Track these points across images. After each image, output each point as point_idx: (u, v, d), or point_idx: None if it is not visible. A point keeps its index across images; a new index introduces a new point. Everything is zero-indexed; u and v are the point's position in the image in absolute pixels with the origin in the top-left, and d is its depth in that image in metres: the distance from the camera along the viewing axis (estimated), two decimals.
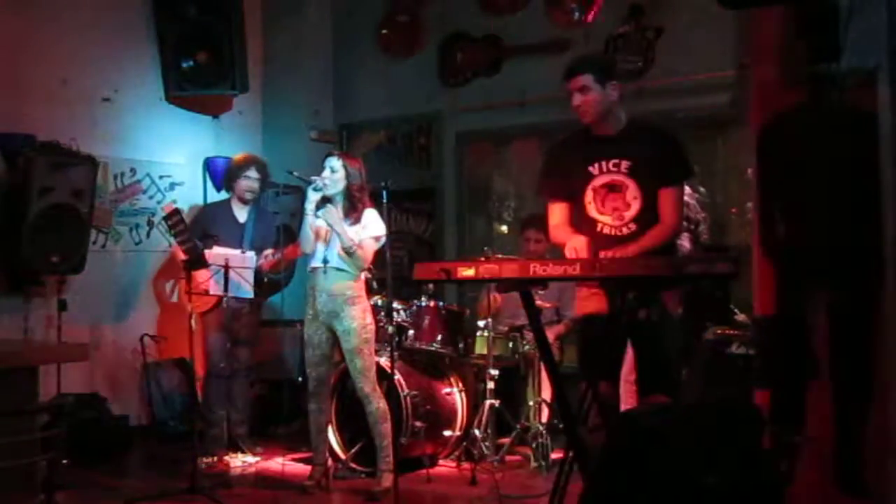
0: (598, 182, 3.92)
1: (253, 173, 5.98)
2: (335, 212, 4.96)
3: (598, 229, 3.93)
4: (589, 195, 3.93)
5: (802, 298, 4.09)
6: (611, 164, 3.91)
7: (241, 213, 6.02)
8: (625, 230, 3.90)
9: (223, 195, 6.25)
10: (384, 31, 7.58)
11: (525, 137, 7.19)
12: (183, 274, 5.80)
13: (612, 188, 3.91)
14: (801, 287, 4.10)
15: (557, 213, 4.03)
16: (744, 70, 5.24)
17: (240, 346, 5.93)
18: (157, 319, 6.76)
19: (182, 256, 5.79)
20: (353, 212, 5.02)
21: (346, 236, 4.90)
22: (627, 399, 4.20)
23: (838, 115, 3.93)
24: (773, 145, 4.17)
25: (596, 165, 3.92)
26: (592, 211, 3.94)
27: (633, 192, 3.87)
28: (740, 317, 5.16)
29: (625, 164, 3.89)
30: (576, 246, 3.71)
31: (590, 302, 3.90)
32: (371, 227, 5.01)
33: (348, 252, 4.92)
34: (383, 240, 5.06)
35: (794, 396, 4.08)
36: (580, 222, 3.97)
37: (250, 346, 6.03)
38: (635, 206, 3.88)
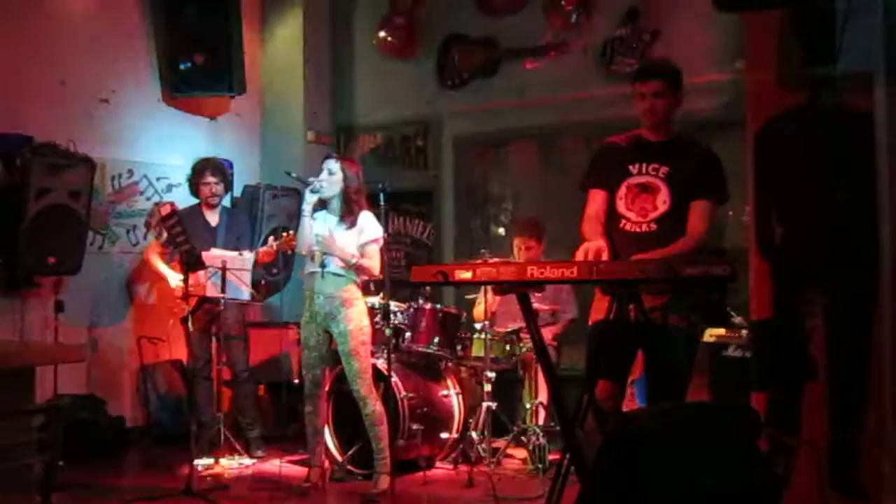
0: (633, 181, 4.01)
1: (210, 178, 6.00)
2: (329, 238, 4.96)
3: (622, 225, 4.00)
4: (622, 191, 4.01)
5: (799, 301, 4.10)
6: (650, 168, 3.99)
7: (212, 217, 6.04)
8: (644, 227, 3.95)
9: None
10: (382, 34, 7.58)
11: (523, 139, 7.20)
12: (158, 275, 5.89)
13: (645, 189, 3.99)
14: (798, 290, 4.11)
15: (595, 202, 4.09)
16: (740, 73, 5.25)
17: (231, 349, 5.92)
18: (154, 321, 6.74)
19: (158, 260, 5.83)
20: (349, 215, 5.02)
21: (346, 257, 4.92)
22: (626, 402, 4.22)
23: (834, 118, 3.94)
24: (770, 148, 4.18)
25: (636, 166, 4.01)
26: (621, 206, 4.01)
27: (663, 197, 3.94)
28: (737, 319, 5.16)
29: (663, 170, 3.97)
30: (588, 249, 3.74)
31: (602, 304, 3.92)
32: (368, 231, 5.02)
33: (355, 268, 4.94)
34: (381, 241, 5.06)
35: (791, 399, 4.09)
36: (609, 215, 4.06)
37: (242, 347, 6.03)
38: (661, 209, 3.95)
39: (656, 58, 5.97)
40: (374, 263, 5.01)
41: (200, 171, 6.03)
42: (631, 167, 4.02)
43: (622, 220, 4.01)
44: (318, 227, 5.03)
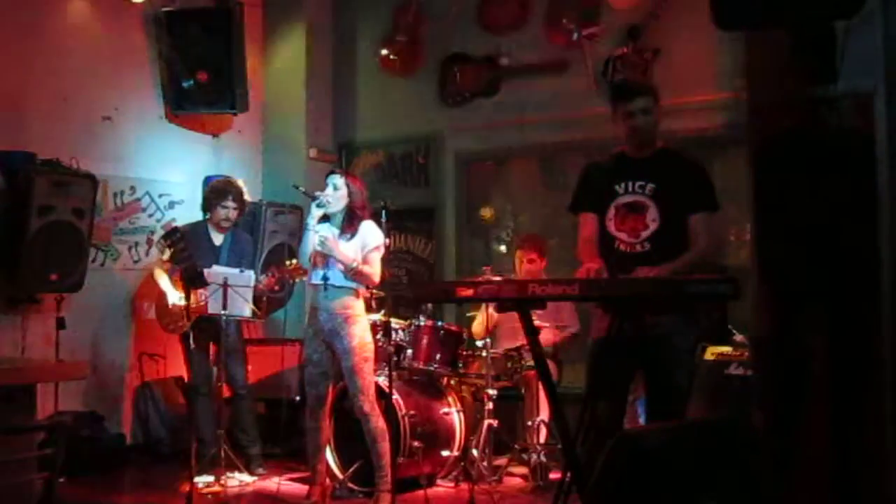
0: (621, 201, 4.03)
1: (230, 203, 5.96)
2: (332, 240, 4.96)
3: (615, 245, 4.03)
4: (611, 212, 4.04)
5: (800, 319, 4.10)
6: (636, 186, 4.02)
7: (218, 237, 6.02)
8: (638, 248, 3.98)
9: None
10: (384, 52, 7.62)
11: (524, 157, 7.22)
12: (158, 291, 5.92)
13: (634, 208, 4.01)
14: (799, 308, 4.10)
15: (586, 225, 4.12)
16: (741, 91, 5.27)
17: (230, 366, 5.91)
18: (155, 338, 6.75)
19: (163, 277, 5.84)
20: (349, 227, 5.02)
21: (347, 261, 4.91)
22: (629, 420, 4.22)
23: (835, 138, 3.95)
24: (770, 167, 4.19)
25: (623, 185, 4.04)
26: (611, 227, 4.04)
27: (652, 215, 3.97)
28: (738, 337, 5.16)
29: (649, 187, 4.00)
30: (588, 270, 3.74)
31: (603, 322, 3.92)
32: (370, 238, 5.02)
33: (353, 273, 4.92)
34: (383, 249, 5.06)
35: (792, 417, 4.08)
36: (601, 237, 4.07)
37: (240, 363, 6.02)
38: (652, 228, 3.97)
39: (660, 78, 6.01)
40: (374, 270, 5.00)
41: (222, 193, 5.97)
42: (617, 187, 4.04)
43: (615, 241, 4.02)
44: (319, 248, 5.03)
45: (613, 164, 4.12)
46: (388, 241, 5.12)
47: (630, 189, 4.02)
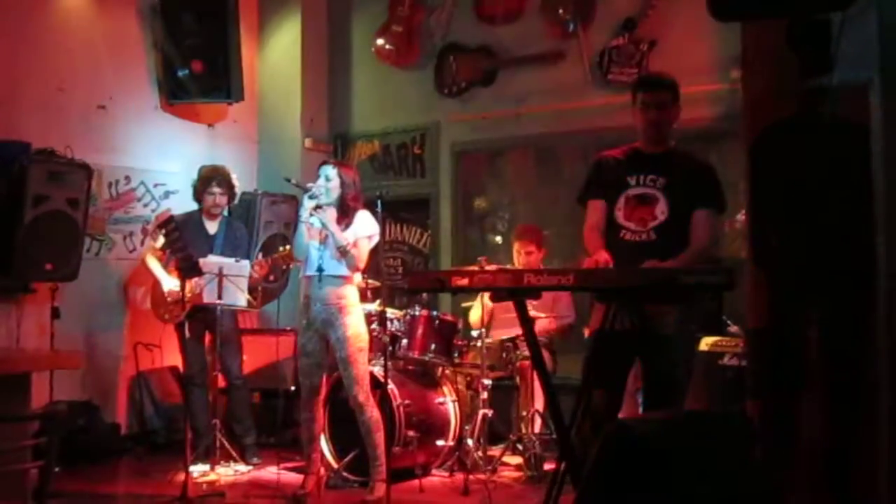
0: (632, 192, 4.04)
1: (216, 188, 5.98)
2: (331, 212, 4.97)
3: (621, 235, 4.03)
4: (621, 202, 4.04)
5: (795, 310, 4.11)
6: (648, 179, 4.03)
7: (212, 226, 6.03)
8: (644, 237, 3.98)
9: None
10: (380, 42, 7.60)
11: (520, 148, 7.21)
12: (153, 280, 5.92)
13: (644, 200, 4.02)
14: (794, 299, 4.12)
15: (594, 212, 4.11)
16: (736, 83, 5.27)
17: (225, 356, 5.91)
18: (150, 328, 6.74)
19: (155, 263, 5.84)
20: (344, 218, 5.02)
21: (339, 235, 4.91)
22: (629, 411, 4.23)
23: (830, 128, 3.96)
24: (766, 158, 4.20)
25: (634, 178, 4.05)
26: (619, 217, 4.04)
27: (661, 207, 3.98)
28: (733, 328, 5.17)
29: (661, 181, 4.01)
30: (597, 260, 3.74)
31: (600, 313, 3.93)
32: (363, 227, 5.02)
33: (342, 251, 4.92)
34: (376, 238, 5.06)
35: (787, 408, 4.09)
36: (608, 226, 4.07)
37: (235, 353, 6.02)
38: (660, 219, 3.98)
39: (656, 70, 6.00)
40: (360, 255, 5.01)
41: (207, 179, 6.01)
42: (629, 179, 4.05)
43: (622, 231, 4.03)
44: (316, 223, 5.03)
45: (626, 158, 4.12)
46: (381, 235, 5.09)
47: (642, 182, 4.03)
